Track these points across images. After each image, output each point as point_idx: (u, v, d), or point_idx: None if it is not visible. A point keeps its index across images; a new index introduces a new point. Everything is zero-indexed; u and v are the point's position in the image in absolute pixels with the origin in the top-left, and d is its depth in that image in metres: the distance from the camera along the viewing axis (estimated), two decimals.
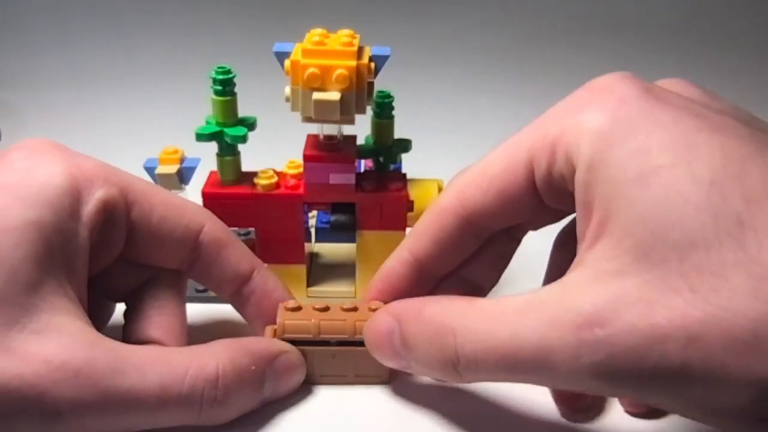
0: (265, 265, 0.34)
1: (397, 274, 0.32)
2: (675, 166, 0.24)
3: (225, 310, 0.38)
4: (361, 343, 0.32)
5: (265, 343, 0.32)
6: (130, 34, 0.85)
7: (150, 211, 0.31)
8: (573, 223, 0.33)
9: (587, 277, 0.25)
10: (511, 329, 0.26)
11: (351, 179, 0.37)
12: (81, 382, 0.26)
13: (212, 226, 0.33)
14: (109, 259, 0.32)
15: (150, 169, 0.38)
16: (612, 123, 0.25)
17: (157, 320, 0.32)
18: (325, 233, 0.42)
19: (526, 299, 0.26)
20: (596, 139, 0.25)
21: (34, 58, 0.77)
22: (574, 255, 0.27)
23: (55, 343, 0.26)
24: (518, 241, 0.33)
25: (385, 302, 0.32)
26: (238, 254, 0.33)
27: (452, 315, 0.28)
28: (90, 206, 0.29)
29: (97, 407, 0.27)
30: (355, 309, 0.33)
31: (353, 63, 0.33)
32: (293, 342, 0.32)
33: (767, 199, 0.23)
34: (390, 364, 0.31)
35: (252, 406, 0.31)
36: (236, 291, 0.34)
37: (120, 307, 0.34)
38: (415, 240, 0.31)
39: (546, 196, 0.29)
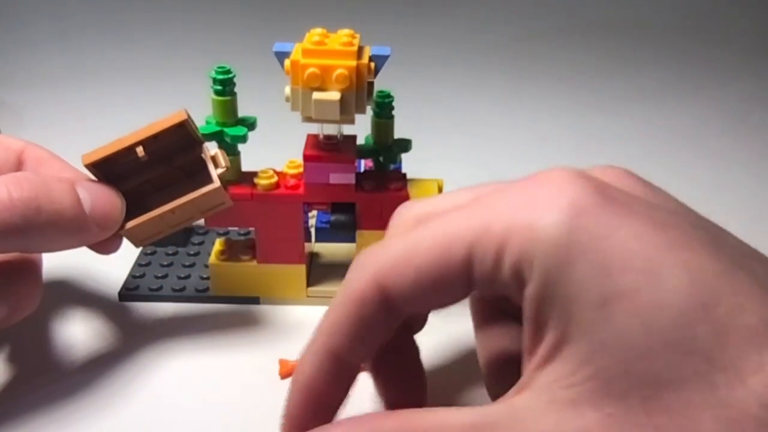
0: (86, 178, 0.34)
1: (318, 381, 0.27)
2: (639, 291, 0.22)
3: (226, 311, 0.38)
4: (189, 189, 0.33)
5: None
6: (129, 33, 0.85)
7: None
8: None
9: (541, 402, 0.23)
10: None
11: (351, 179, 0.37)
12: None
13: (33, 146, 0.35)
14: None
15: None
16: (570, 236, 0.23)
17: None
18: (325, 233, 0.42)
19: (474, 421, 0.24)
20: (553, 253, 0.23)
21: (33, 58, 0.77)
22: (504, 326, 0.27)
23: None
24: None
25: (314, 416, 0.27)
26: (59, 166, 0.34)
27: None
28: None
29: None
30: None
31: (353, 63, 0.33)
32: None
33: (737, 333, 0.22)
34: None
35: (70, 207, 0.31)
36: None
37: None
38: (332, 336, 0.27)
39: (483, 290, 0.26)
